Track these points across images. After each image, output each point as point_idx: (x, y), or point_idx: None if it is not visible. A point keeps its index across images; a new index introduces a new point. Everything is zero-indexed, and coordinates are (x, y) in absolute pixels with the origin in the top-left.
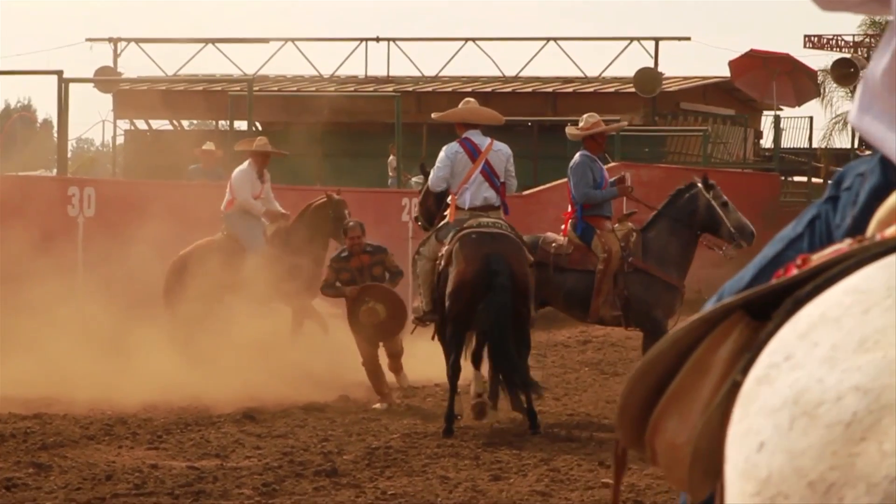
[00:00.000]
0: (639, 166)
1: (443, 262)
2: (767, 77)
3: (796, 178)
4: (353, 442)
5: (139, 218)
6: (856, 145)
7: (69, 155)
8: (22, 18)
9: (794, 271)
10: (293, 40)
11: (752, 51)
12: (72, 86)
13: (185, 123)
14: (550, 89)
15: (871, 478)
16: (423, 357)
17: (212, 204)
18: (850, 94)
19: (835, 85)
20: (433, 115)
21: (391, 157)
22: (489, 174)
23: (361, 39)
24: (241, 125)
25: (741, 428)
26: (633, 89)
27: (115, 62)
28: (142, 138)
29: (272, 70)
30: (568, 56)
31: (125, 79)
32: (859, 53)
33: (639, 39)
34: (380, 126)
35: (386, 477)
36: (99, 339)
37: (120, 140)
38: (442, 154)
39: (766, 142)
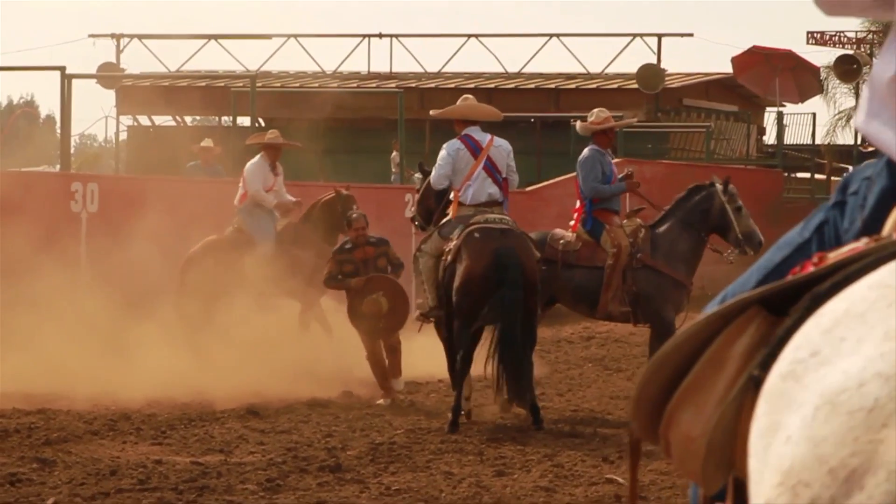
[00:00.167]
0: (642, 163)
1: (450, 258)
2: (770, 73)
3: (799, 175)
4: (357, 438)
5: (142, 214)
6: (859, 142)
7: (72, 151)
8: (25, 14)
9: (811, 269)
10: (296, 36)
11: (754, 47)
12: (75, 82)
13: (188, 119)
14: (553, 86)
15: (893, 464)
16: (426, 353)
17: (215, 200)
18: (852, 91)
19: (838, 81)
20: (431, 113)
21: (394, 154)
22: (492, 170)
23: (364, 35)
24: (244, 121)
25: (766, 422)
26: (635, 86)
27: (117, 58)
28: (144, 134)
29: (275, 66)
30: (571, 52)
31: (128, 75)
32: (862, 50)
33: (642, 36)
34: (382, 122)
35: (390, 472)
36: (102, 335)
37: (123, 136)
38: (443, 152)
39: (769, 138)
